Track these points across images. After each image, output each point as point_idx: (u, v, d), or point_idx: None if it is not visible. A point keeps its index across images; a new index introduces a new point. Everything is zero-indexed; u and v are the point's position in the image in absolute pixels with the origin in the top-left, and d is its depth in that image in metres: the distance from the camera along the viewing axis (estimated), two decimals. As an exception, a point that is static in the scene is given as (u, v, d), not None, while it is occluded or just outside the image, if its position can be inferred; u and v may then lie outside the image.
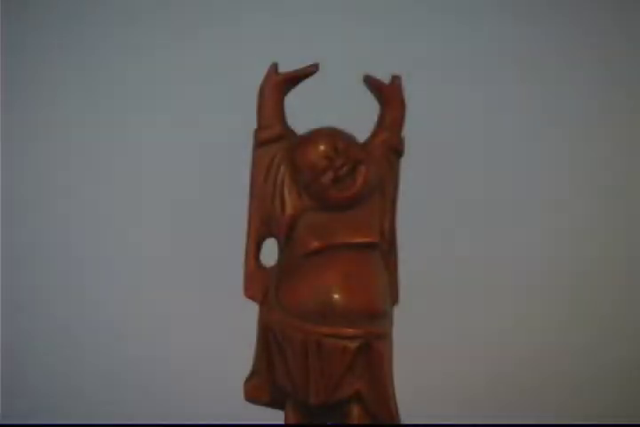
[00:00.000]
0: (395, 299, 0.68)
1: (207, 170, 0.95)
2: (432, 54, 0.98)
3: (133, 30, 0.97)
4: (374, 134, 0.69)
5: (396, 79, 0.69)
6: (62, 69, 0.97)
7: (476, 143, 0.99)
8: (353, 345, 0.63)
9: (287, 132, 0.67)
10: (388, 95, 0.69)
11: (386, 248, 0.67)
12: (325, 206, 0.66)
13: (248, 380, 0.68)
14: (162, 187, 0.97)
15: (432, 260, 0.95)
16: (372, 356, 0.64)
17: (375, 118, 0.70)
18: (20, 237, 0.97)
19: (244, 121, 0.67)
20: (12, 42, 0.95)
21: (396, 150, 0.69)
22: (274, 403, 0.67)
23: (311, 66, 0.67)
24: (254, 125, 0.68)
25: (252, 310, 0.67)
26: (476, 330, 0.97)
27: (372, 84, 0.69)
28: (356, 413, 0.64)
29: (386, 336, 0.65)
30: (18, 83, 0.96)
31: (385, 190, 0.68)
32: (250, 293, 0.67)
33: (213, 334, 0.94)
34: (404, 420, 0.66)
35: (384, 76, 0.69)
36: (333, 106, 0.86)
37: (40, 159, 0.97)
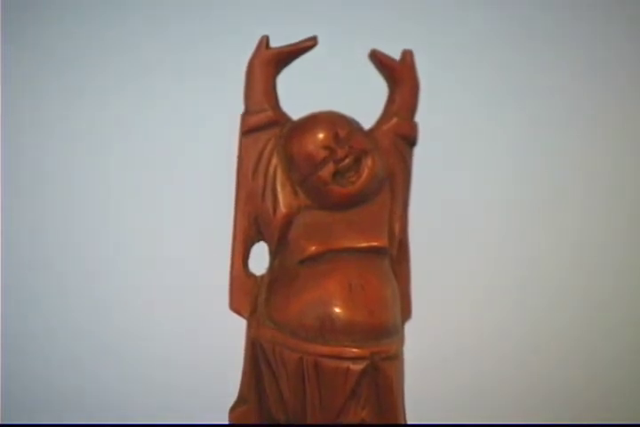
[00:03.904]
0: (407, 313, 0.64)
1: (201, 167, 0.93)
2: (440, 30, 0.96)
3: (133, 25, 0.97)
4: (382, 120, 0.65)
5: (407, 55, 0.64)
6: (63, 66, 0.97)
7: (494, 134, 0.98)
8: (357, 367, 0.58)
9: (280, 118, 0.63)
10: (399, 74, 0.64)
11: (396, 254, 0.63)
12: (325, 205, 0.62)
13: (234, 407, 0.63)
14: (158, 186, 0.97)
15: (448, 268, 0.94)
16: (379, 380, 0.59)
17: (383, 101, 0.65)
18: (19, 238, 0.97)
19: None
20: (12, 40, 0.97)
21: (408, 138, 0.64)
22: (264, 434, 0.62)
23: (309, 39, 0.62)
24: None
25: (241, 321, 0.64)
26: (489, 341, 0.98)
27: (379, 60, 0.64)
28: (361, 445, 0.60)
29: (395, 357, 0.60)
30: (20, 81, 0.97)
31: (395, 186, 0.64)
32: (236, 305, 0.63)
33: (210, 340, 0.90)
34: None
35: (394, 52, 0.64)
36: (334, 86, 0.82)
37: (38, 156, 0.98)
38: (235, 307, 0.62)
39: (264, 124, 0.62)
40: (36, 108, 0.96)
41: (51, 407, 0.92)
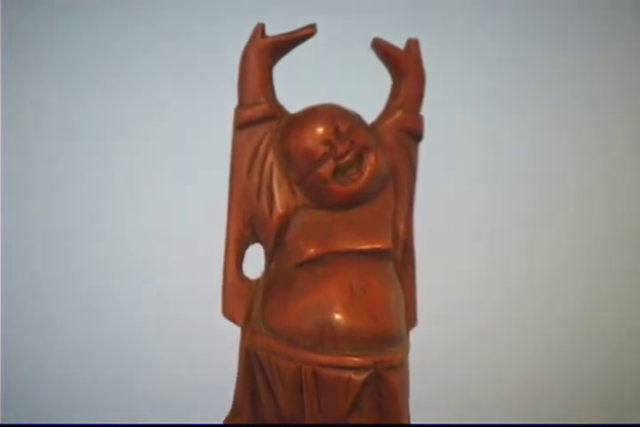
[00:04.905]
0: (412, 320, 0.63)
1: (196, 166, 0.94)
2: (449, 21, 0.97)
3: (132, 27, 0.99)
4: (386, 114, 0.63)
5: (412, 44, 0.63)
6: (64, 69, 0.99)
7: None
8: (359, 378, 0.57)
9: (276, 111, 0.61)
10: (403, 64, 0.63)
11: (400, 257, 0.62)
12: (324, 204, 0.60)
13: (228, 418, 0.62)
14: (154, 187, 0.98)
15: (456, 271, 0.94)
16: (382, 390, 0.58)
17: (387, 93, 0.64)
18: (19, 236, 0.99)
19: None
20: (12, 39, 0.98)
21: (413, 133, 0.63)
22: (260, 447, 0.61)
23: (307, 27, 0.61)
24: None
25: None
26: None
27: (382, 50, 0.63)
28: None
29: (400, 366, 0.59)
30: (21, 83, 0.98)
31: (399, 184, 0.62)
32: (229, 311, 0.61)
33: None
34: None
35: (397, 41, 0.63)
36: (334, 78, 0.83)
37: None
38: (228, 313, 0.61)
39: (259, 117, 0.60)
40: (38, 110, 0.97)
41: (51, 405, 0.92)
